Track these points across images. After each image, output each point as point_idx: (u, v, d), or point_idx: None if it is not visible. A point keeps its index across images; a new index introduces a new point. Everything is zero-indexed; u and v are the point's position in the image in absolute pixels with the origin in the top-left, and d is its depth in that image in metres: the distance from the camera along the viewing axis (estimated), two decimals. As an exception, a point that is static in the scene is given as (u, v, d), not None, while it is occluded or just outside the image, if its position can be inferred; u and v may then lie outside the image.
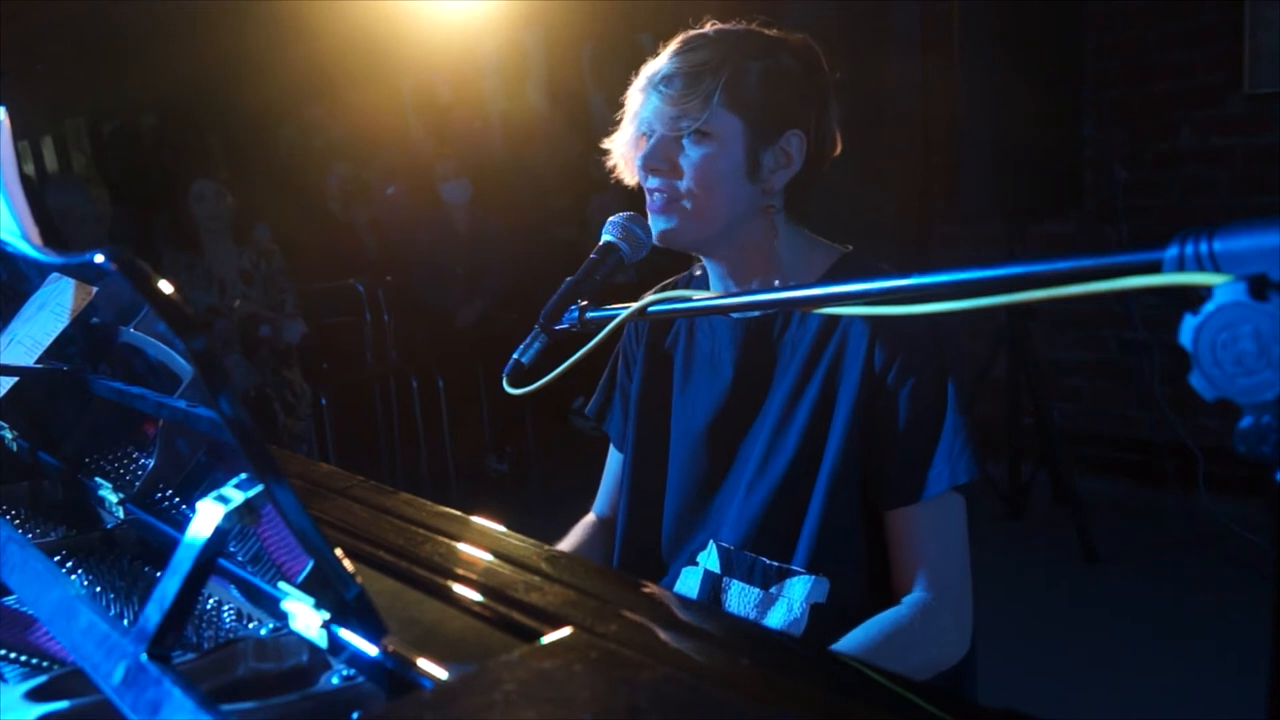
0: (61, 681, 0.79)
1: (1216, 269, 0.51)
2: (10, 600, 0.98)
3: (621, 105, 1.32)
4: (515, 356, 1.21)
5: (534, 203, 5.70)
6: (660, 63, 1.26)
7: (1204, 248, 0.52)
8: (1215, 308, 0.49)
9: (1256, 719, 0.50)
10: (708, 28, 1.28)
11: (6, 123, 1.18)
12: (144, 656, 0.70)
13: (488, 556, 0.94)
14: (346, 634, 0.74)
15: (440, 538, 0.99)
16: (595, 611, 0.78)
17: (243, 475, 0.73)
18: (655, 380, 1.44)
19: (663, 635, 0.77)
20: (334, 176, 5.64)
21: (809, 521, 1.26)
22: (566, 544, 1.50)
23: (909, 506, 1.23)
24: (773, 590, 1.28)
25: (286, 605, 0.79)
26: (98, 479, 1.14)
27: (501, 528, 1.03)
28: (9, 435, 1.32)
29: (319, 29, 5.70)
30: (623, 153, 1.33)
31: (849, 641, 1.17)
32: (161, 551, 1.00)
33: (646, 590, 0.87)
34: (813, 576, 1.25)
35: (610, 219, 1.28)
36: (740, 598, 1.30)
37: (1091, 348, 4.36)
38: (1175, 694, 2.70)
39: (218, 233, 4.40)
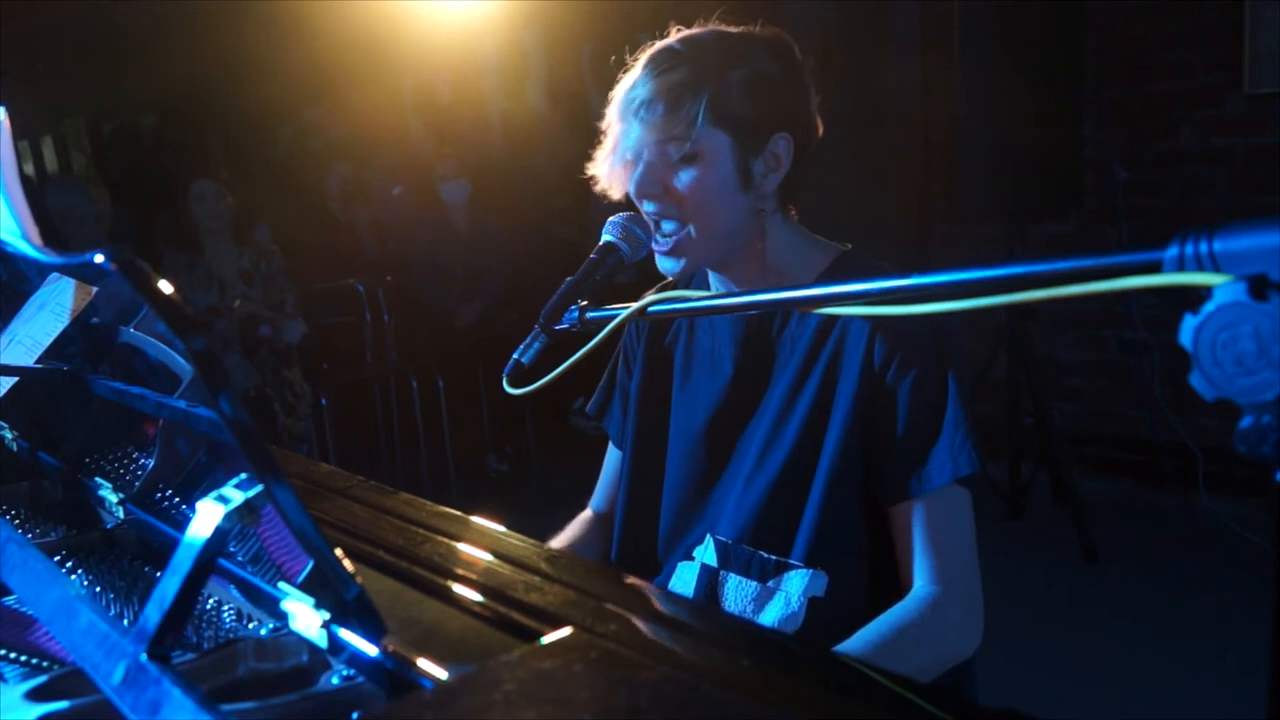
0: (61, 681, 0.79)
1: (1216, 269, 0.51)
2: (10, 600, 0.98)
3: None
4: (515, 356, 1.22)
5: (534, 203, 5.70)
6: (635, 87, 1.23)
7: (1204, 248, 0.52)
8: (1215, 308, 0.49)
9: (1256, 719, 0.50)
10: (673, 38, 1.25)
11: (6, 123, 1.18)
12: (144, 656, 0.70)
13: (488, 556, 0.94)
14: (346, 634, 0.74)
15: (440, 538, 0.99)
16: (595, 611, 0.78)
17: (243, 475, 0.73)
18: (655, 377, 1.44)
19: (663, 635, 0.77)
20: (334, 176, 5.65)
21: (807, 515, 1.26)
22: (563, 539, 1.50)
23: (913, 500, 1.23)
24: (770, 584, 1.28)
25: (286, 605, 0.79)
26: (98, 479, 1.14)
27: (501, 528, 1.03)
28: (9, 435, 1.32)
29: (319, 29, 5.70)
30: (608, 175, 1.31)
31: (858, 639, 1.17)
32: (161, 551, 1.00)
33: (646, 590, 0.87)
34: (810, 571, 1.26)
35: (610, 219, 1.28)
36: (737, 591, 1.30)
37: (1091, 348, 4.36)
38: (1175, 694, 2.71)
39: (218, 233, 4.40)
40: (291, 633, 0.79)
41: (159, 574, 0.83)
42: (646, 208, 1.27)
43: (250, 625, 0.89)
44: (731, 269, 1.33)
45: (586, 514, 1.56)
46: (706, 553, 1.34)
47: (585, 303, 1.18)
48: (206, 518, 0.72)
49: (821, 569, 1.26)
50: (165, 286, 0.68)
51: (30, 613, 0.95)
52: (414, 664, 0.71)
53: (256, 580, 0.85)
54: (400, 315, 5.01)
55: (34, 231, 1.13)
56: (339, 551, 0.71)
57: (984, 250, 4.41)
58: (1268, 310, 0.48)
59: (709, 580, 1.33)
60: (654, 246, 1.28)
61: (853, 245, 1.36)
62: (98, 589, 0.99)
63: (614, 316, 1.11)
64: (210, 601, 0.94)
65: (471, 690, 0.65)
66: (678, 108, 1.20)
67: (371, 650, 0.72)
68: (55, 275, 1.14)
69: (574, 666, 0.67)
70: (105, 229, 4.51)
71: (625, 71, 1.26)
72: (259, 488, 0.71)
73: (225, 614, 0.92)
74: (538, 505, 4.59)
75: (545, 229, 5.66)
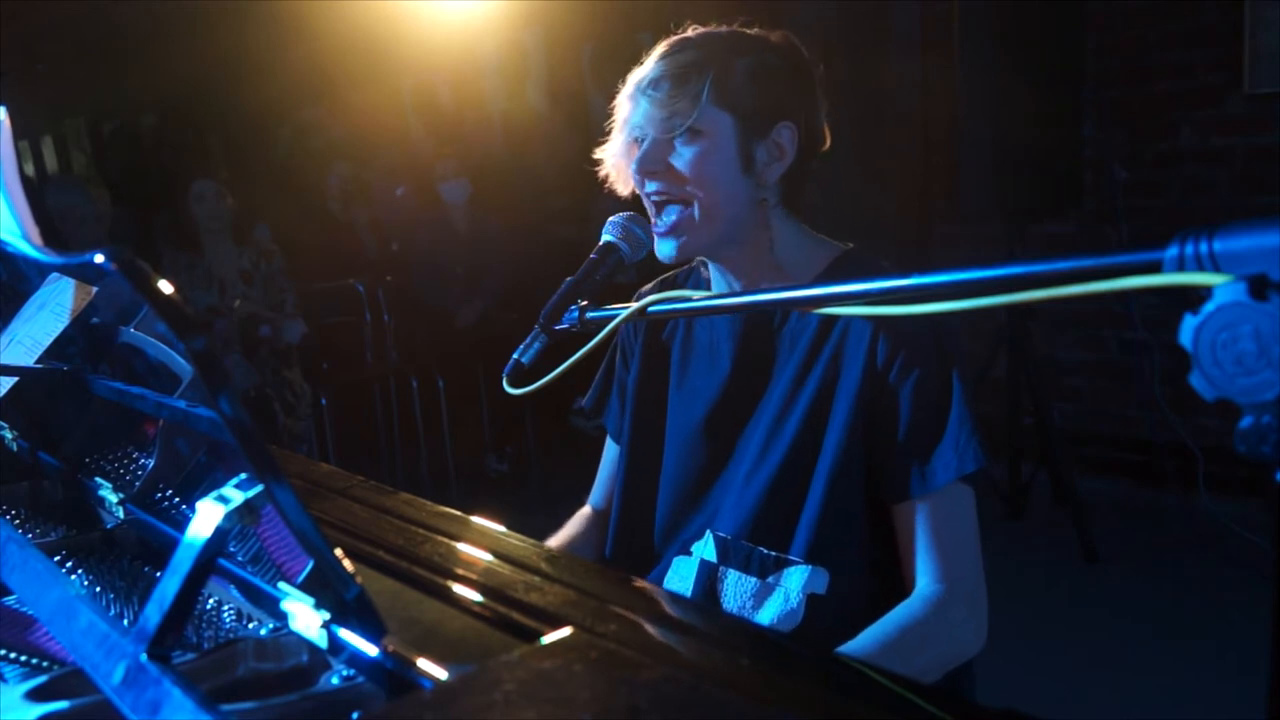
0: (61, 681, 0.79)
1: (1216, 269, 0.51)
2: (10, 600, 0.98)
3: None
4: (515, 356, 1.22)
5: (534, 203, 5.71)
6: (646, 68, 1.28)
7: (1204, 248, 0.52)
8: (1215, 308, 0.49)
9: (1256, 719, 0.50)
10: (690, 31, 1.30)
11: (6, 123, 1.18)
12: (144, 656, 0.70)
13: (487, 556, 0.94)
14: (346, 634, 0.74)
15: (440, 538, 1.00)
16: (595, 611, 0.78)
17: (243, 475, 0.73)
18: (652, 372, 1.44)
19: (663, 635, 0.77)
20: (334, 176, 5.64)
21: (807, 512, 1.26)
22: (561, 536, 1.50)
23: (917, 499, 1.23)
24: (770, 580, 1.28)
25: (286, 605, 0.79)
26: (98, 479, 1.14)
27: (501, 528, 1.03)
28: (9, 435, 1.32)
29: (319, 29, 5.70)
30: (615, 162, 1.34)
31: (863, 639, 1.17)
32: (161, 551, 1.00)
33: (647, 590, 0.87)
34: (810, 567, 1.26)
35: (610, 219, 1.29)
36: (736, 587, 1.30)
37: (1091, 348, 4.36)
38: (1175, 694, 2.70)
39: (218, 233, 4.40)
40: (291, 633, 0.79)
41: (159, 574, 0.83)
42: (649, 188, 1.28)
43: (250, 625, 0.89)
44: (731, 260, 1.33)
45: (585, 510, 1.56)
46: (706, 548, 1.34)
47: (585, 303, 1.18)
48: (206, 518, 0.72)
49: (822, 566, 1.26)
50: (165, 286, 0.68)
51: (30, 613, 0.95)
52: (414, 664, 0.70)
53: (256, 580, 0.85)
54: (400, 315, 5.01)
55: (34, 231, 1.13)
56: (339, 551, 0.71)
57: (984, 250, 4.41)
58: (1268, 310, 0.48)
59: (708, 575, 1.33)
60: (653, 230, 1.29)
61: (854, 244, 1.36)
62: (98, 589, 0.99)
63: (614, 316, 1.11)
64: (210, 601, 0.94)
65: (471, 690, 0.65)
66: (684, 84, 1.23)
67: (371, 650, 0.72)
68: (55, 275, 1.14)
69: (574, 666, 0.67)
70: (105, 229, 4.51)
71: (639, 65, 1.30)
72: (259, 488, 0.71)
73: (225, 614, 0.92)
74: (538, 505, 4.60)
75: (545, 229, 5.66)
